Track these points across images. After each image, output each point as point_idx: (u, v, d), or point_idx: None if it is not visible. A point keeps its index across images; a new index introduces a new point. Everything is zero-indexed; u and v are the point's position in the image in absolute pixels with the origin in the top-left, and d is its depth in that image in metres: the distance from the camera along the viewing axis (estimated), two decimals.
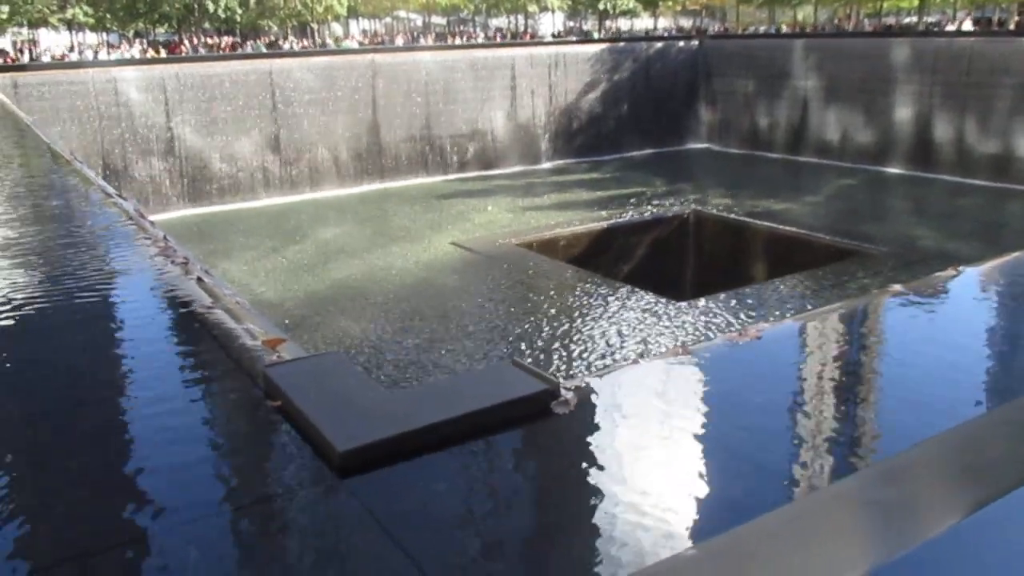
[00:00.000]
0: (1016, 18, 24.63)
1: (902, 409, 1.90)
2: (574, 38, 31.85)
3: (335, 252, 16.61)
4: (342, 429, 1.78)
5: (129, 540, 1.54)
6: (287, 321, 12.07)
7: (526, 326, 11.55)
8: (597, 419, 1.93)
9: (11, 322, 2.66)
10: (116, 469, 1.81)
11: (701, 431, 1.85)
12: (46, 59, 23.34)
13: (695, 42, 30.26)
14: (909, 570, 1.24)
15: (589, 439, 1.84)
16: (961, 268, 2.98)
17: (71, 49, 25.71)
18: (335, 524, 1.58)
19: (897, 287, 2.69)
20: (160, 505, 1.64)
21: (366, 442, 1.73)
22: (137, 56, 24.39)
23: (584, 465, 1.73)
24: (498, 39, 30.94)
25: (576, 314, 11.98)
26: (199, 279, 3.11)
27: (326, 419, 1.83)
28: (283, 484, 1.72)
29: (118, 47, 26.79)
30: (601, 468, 1.72)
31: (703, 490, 1.62)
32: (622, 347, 10.67)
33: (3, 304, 2.83)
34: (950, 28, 24.51)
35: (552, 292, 13.04)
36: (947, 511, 1.40)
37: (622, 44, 29.45)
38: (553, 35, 33.35)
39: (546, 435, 1.90)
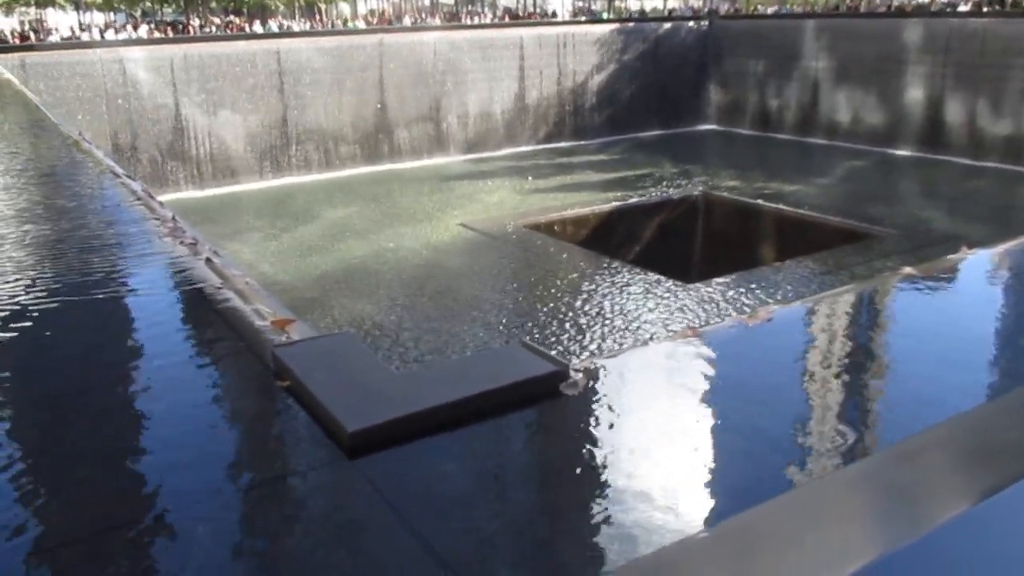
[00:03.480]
0: None
1: (914, 393, 1.89)
2: (583, 18, 31.66)
3: (344, 233, 16.63)
4: (352, 409, 1.78)
5: (140, 519, 1.54)
6: (296, 302, 12.09)
7: (534, 307, 11.55)
8: (606, 401, 1.92)
9: (21, 304, 2.67)
10: (126, 449, 1.82)
11: (711, 414, 1.85)
12: (54, 39, 23.30)
13: (705, 22, 30.05)
14: (921, 556, 1.24)
15: (598, 421, 1.84)
16: (972, 250, 2.96)
17: (82, 29, 25.67)
18: (345, 504, 1.58)
19: (909, 269, 2.67)
20: (170, 484, 1.65)
21: (376, 422, 1.73)
22: (145, 37, 24.37)
23: (593, 447, 1.73)
24: (507, 19, 30.77)
25: (584, 296, 11.97)
26: (208, 260, 3.11)
27: (336, 399, 1.83)
28: (292, 464, 1.72)
29: (124, 27, 26.76)
30: (610, 450, 1.72)
31: (712, 473, 1.62)
32: (629, 329, 10.67)
33: (12, 285, 2.83)
34: (963, 8, 24.25)
35: (560, 273, 13.04)
36: (960, 496, 1.40)
37: (632, 24, 29.27)
38: (571, 12, 33.19)
39: (555, 416, 1.89)
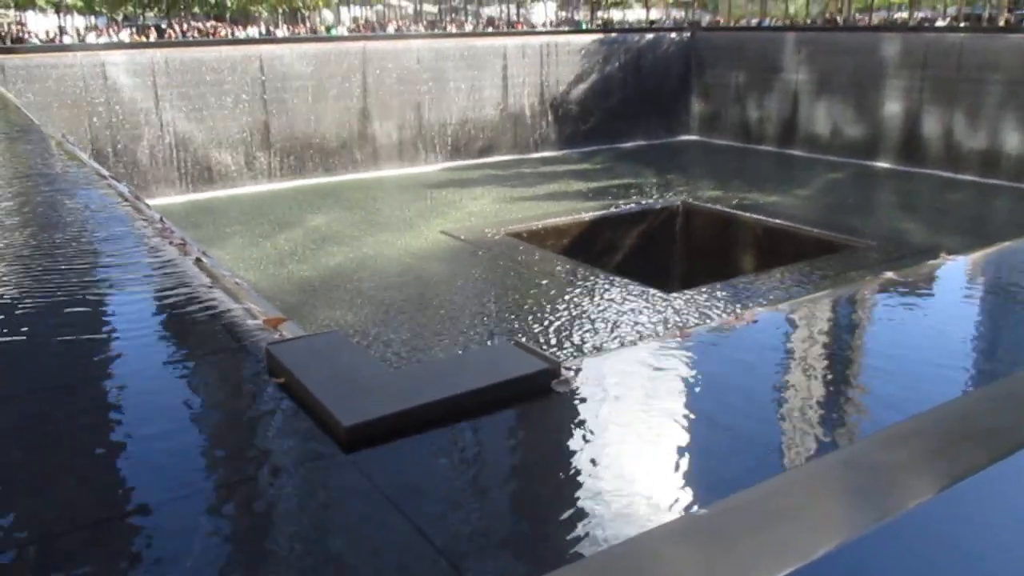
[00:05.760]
0: (1006, 15, 24.78)
1: (896, 387, 1.95)
2: (566, 28, 31.82)
3: (324, 240, 16.60)
4: (346, 405, 1.81)
5: (135, 512, 1.56)
6: (277, 309, 12.03)
7: (515, 316, 11.59)
8: (596, 398, 1.96)
9: (12, 303, 2.67)
10: (123, 444, 1.83)
11: (697, 410, 1.89)
12: (34, 42, 23.13)
13: (687, 34, 30.29)
14: (901, 533, 1.28)
15: (588, 417, 1.88)
16: (950, 257, 3.04)
17: (61, 32, 25.50)
18: (342, 496, 1.61)
19: (889, 275, 2.74)
20: (169, 478, 1.67)
21: (371, 417, 1.76)
22: (126, 41, 24.26)
23: (583, 442, 1.77)
24: (490, 28, 30.86)
25: (565, 305, 12.02)
26: (198, 260, 3.12)
27: (330, 395, 1.85)
28: (290, 458, 1.75)
29: (104, 31, 26.60)
30: (599, 446, 1.76)
31: (697, 466, 1.66)
32: (610, 338, 10.72)
33: (3, 285, 2.84)
34: (940, 23, 24.62)
35: (541, 282, 13.08)
36: (942, 477, 1.44)
37: (614, 35, 29.46)
38: (545, 24, 33.32)
39: (546, 413, 1.93)
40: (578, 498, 1.55)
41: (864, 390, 1.98)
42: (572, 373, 2.00)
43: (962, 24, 24.09)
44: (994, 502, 1.38)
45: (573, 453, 1.72)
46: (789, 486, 1.51)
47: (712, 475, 1.63)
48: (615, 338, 10.64)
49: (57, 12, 28.39)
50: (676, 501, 1.53)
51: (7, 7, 28.26)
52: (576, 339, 10.58)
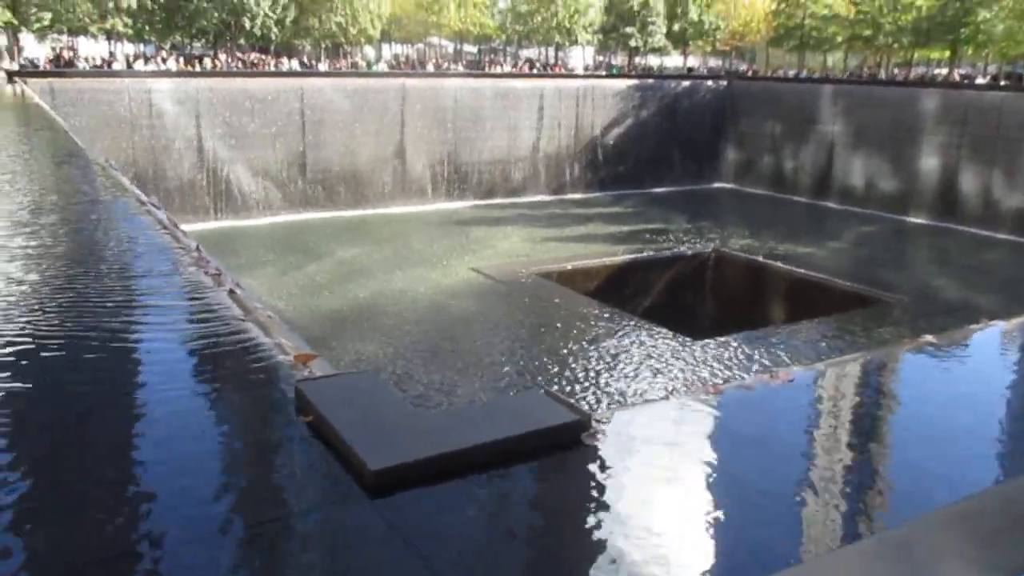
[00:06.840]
0: None
1: (936, 465, 1.88)
2: (603, 72, 32.06)
3: (355, 272, 16.71)
4: (374, 448, 1.79)
5: (159, 545, 1.55)
6: (305, 340, 12.08)
7: (543, 358, 11.54)
8: (625, 454, 1.92)
9: (44, 328, 2.69)
10: (145, 478, 1.82)
11: (729, 473, 1.84)
12: (84, 67, 23.75)
13: (723, 82, 30.41)
14: None
15: (616, 474, 1.84)
16: (992, 322, 2.97)
17: (111, 58, 26.16)
18: (364, 542, 1.58)
19: (928, 338, 2.68)
20: (191, 514, 1.65)
21: (398, 462, 1.74)
22: (173, 69, 24.82)
23: (610, 500, 1.73)
24: (534, 70, 31.19)
25: (593, 348, 11.95)
26: (231, 291, 3.14)
27: (358, 437, 1.83)
28: (313, 500, 1.73)
29: (153, 58, 27.22)
30: (627, 505, 1.72)
31: (722, 535, 1.61)
32: (638, 384, 10.64)
33: (36, 310, 2.86)
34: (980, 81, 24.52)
35: (570, 325, 13.04)
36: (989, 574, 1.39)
37: (651, 81, 29.65)
38: (584, 68, 33.62)
39: (575, 466, 1.89)
40: (602, 560, 1.52)
41: (906, 465, 1.92)
42: (602, 426, 1.97)
43: (1002, 83, 23.96)
44: None
45: (600, 511, 1.68)
46: (826, 570, 1.46)
47: (743, 548, 1.58)
48: (644, 384, 10.55)
49: (108, 39, 29.12)
50: (693, 573, 1.49)
51: (60, 32, 29.05)
52: (605, 385, 10.50)
